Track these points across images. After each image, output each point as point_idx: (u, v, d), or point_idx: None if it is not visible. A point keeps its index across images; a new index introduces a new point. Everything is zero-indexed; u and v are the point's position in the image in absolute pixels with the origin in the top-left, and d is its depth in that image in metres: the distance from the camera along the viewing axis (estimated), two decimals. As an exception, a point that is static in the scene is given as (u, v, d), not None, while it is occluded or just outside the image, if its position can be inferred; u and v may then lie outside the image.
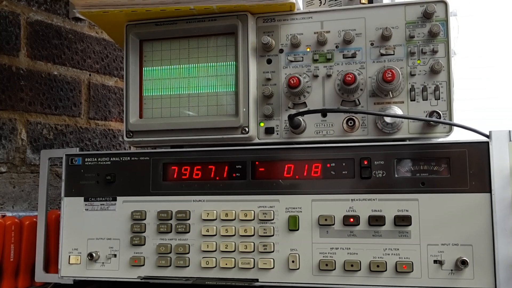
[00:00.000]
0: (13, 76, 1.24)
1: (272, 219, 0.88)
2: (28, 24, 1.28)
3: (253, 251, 0.89)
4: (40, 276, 1.00)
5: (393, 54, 0.89)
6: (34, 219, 1.03)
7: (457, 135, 0.87)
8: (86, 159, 0.99)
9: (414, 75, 0.88)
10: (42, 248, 1.00)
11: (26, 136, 1.26)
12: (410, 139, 0.89)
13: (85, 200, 0.97)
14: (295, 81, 0.89)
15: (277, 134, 0.93)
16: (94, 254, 0.95)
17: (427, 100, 0.88)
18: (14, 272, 1.03)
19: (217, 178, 0.92)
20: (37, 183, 1.22)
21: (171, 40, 0.97)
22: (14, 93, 1.24)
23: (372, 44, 0.90)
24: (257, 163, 0.91)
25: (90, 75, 1.44)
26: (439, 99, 0.87)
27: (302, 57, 0.93)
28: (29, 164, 1.27)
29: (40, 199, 1.01)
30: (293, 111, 0.91)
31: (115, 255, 0.95)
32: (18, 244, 1.03)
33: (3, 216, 1.05)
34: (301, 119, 0.90)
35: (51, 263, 1.04)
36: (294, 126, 0.90)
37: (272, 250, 0.88)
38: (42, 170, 1.01)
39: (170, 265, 0.92)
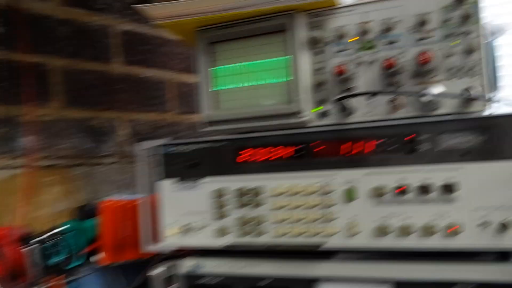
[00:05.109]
0: (112, 81, 1.45)
1: (332, 192, 0.98)
2: (121, 34, 1.47)
3: (317, 221, 0.99)
4: (146, 247, 1.17)
5: (431, 37, 0.95)
6: (139, 201, 1.19)
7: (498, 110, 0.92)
8: (177, 147, 1.14)
9: (451, 56, 0.94)
10: (146, 224, 1.16)
11: (126, 132, 1.48)
12: (451, 115, 0.95)
13: (177, 181, 1.13)
14: (341, 69, 0.99)
15: (330, 117, 1.04)
16: (187, 226, 1.10)
17: (463, 78, 0.94)
18: (125, 246, 1.22)
19: (284, 157, 1.03)
20: (138, 171, 1.44)
21: (234, 41, 1.10)
22: (114, 96, 1.45)
23: (410, 30, 0.97)
24: (316, 143, 1.01)
25: (175, 74, 1.63)
26: (474, 76, 0.93)
27: (348, 47, 1.01)
28: (130, 156, 1.48)
29: (142, 183, 1.17)
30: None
31: (204, 227, 1.09)
32: (126, 222, 1.21)
33: (115, 199, 1.25)
34: (349, 103, 1.00)
35: (154, 237, 1.18)
36: (344, 109, 1.01)
37: (334, 218, 0.98)
38: (142, 160, 1.17)
39: (249, 234, 1.05)
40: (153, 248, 1.18)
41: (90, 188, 1.44)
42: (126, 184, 1.48)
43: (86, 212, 1.33)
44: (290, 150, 1.04)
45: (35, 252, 1.23)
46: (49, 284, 1.23)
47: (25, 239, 1.23)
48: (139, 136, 1.53)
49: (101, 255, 1.26)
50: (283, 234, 1.03)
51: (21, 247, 1.21)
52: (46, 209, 1.38)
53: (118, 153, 1.48)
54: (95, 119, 1.42)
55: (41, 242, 1.25)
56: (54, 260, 1.26)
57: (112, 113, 1.47)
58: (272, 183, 1.04)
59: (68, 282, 1.25)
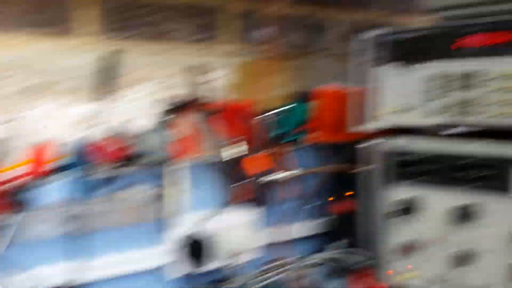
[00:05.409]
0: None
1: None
2: None
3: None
4: (357, 127, 1.31)
5: None
6: (351, 89, 1.34)
7: None
8: (396, 36, 1.24)
9: None
10: (358, 108, 1.30)
11: (342, 28, 1.66)
12: None
13: (396, 66, 1.23)
14: None
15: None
16: (400, 107, 1.21)
17: None
18: (337, 127, 1.40)
19: (502, 43, 1.07)
20: (352, 62, 1.48)
21: None
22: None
23: None
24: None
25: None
26: None
27: None
28: (344, 49, 1.63)
29: (355, 73, 1.31)
30: None
31: (416, 107, 1.20)
32: (340, 107, 1.38)
33: (331, 87, 1.44)
34: None
35: (363, 120, 1.31)
36: None
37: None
38: (358, 51, 1.30)
39: (460, 115, 1.13)
40: (364, 128, 1.31)
41: (309, 76, 1.67)
42: (340, 75, 1.67)
43: (305, 96, 1.55)
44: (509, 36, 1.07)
45: (264, 123, 1.49)
46: (273, 151, 1.48)
47: (257, 113, 1.50)
48: (352, 33, 1.69)
49: (316, 134, 1.47)
50: (494, 116, 1.09)
51: (255, 118, 1.48)
52: (273, 91, 1.64)
53: (333, 47, 1.68)
54: (315, 16, 1.64)
55: (269, 117, 1.50)
56: (278, 132, 1.51)
57: (329, 11, 1.66)
58: (487, 67, 1.10)
59: (287, 152, 1.50)
